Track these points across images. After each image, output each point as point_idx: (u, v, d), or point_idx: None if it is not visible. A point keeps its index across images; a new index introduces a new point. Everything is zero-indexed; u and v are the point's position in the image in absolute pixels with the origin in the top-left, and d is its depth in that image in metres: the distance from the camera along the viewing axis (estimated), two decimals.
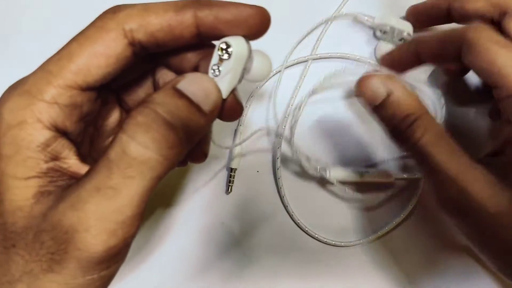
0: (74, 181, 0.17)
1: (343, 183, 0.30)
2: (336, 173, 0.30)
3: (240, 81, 0.20)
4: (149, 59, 0.20)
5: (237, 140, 0.32)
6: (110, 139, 0.22)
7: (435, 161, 0.22)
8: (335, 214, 0.32)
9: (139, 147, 0.15)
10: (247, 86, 0.32)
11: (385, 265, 0.31)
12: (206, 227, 0.31)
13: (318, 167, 0.30)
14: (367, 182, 0.31)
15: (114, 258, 0.16)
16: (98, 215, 0.15)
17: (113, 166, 0.15)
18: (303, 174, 0.31)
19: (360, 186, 0.31)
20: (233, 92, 0.20)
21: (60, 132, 0.17)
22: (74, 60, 0.17)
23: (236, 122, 0.32)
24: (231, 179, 0.31)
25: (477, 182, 0.21)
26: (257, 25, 0.18)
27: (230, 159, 0.31)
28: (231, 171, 0.31)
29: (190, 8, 0.17)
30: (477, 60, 0.23)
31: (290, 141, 0.30)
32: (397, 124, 0.23)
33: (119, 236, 0.16)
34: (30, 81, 0.17)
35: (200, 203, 0.31)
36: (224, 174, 0.32)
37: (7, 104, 0.17)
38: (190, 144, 0.17)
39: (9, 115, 0.16)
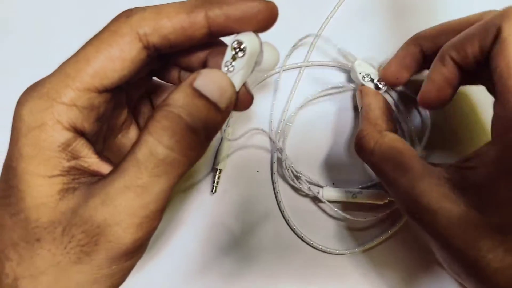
0: (97, 178, 0.18)
1: (335, 202, 0.30)
2: (328, 193, 0.31)
3: (251, 73, 0.20)
4: (158, 58, 0.21)
5: (225, 141, 0.32)
6: (121, 136, 0.24)
7: (386, 176, 0.23)
8: (328, 223, 0.32)
9: (165, 150, 0.16)
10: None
11: (379, 274, 0.32)
12: (206, 227, 0.32)
13: (310, 186, 0.30)
14: (359, 203, 0.31)
15: (137, 249, 0.18)
16: (128, 211, 0.16)
17: (141, 166, 0.16)
18: (297, 189, 0.32)
19: (352, 205, 0.31)
20: (244, 84, 0.20)
21: (79, 132, 0.18)
22: (91, 63, 0.17)
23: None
24: (216, 179, 0.32)
25: (427, 194, 0.21)
26: (266, 19, 0.18)
27: (217, 159, 0.32)
28: (216, 171, 0.32)
29: (201, 9, 0.18)
30: (497, 59, 0.21)
31: (282, 154, 0.31)
32: (357, 135, 0.25)
33: (144, 229, 0.17)
34: (49, 83, 0.17)
35: (201, 203, 0.32)
36: (225, 175, 0.32)
37: (27, 106, 0.17)
38: (209, 141, 0.18)
39: (29, 117, 0.17)
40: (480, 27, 0.22)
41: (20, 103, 0.17)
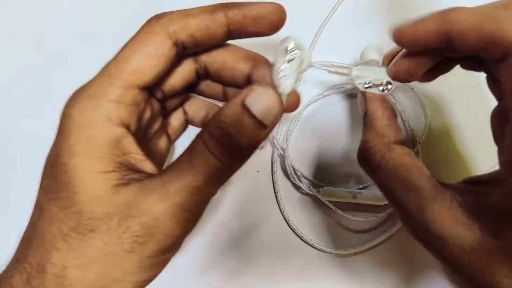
0: (144, 175, 0.19)
1: (335, 202, 0.30)
2: (328, 193, 0.30)
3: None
4: (197, 75, 0.23)
5: None
6: (152, 143, 0.25)
7: (392, 195, 0.21)
8: (328, 223, 0.32)
9: (217, 162, 0.19)
10: None
11: (379, 274, 0.32)
12: (206, 227, 0.32)
13: (310, 186, 0.30)
14: (360, 204, 0.31)
15: (179, 243, 0.20)
16: (184, 207, 0.18)
17: (197, 171, 0.18)
18: (297, 188, 0.32)
19: (352, 205, 0.31)
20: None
21: (126, 128, 0.20)
22: (131, 62, 0.19)
23: None
24: None
25: (438, 219, 0.20)
26: (277, 20, 0.21)
27: None
28: None
29: (221, 10, 0.20)
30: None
31: (284, 152, 0.31)
32: (361, 146, 0.24)
33: (192, 223, 0.19)
34: (94, 85, 0.19)
35: None
36: None
37: (76, 107, 0.19)
38: (251, 154, 0.20)
39: (79, 116, 0.18)
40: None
41: (69, 104, 0.19)
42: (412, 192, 0.20)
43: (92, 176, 0.18)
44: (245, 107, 0.18)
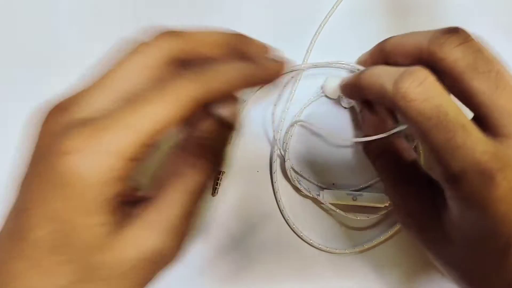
0: (134, 203, 0.19)
1: (336, 205, 0.30)
2: (329, 196, 0.30)
3: None
4: None
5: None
6: None
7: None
8: (328, 222, 0.32)
9: (202, 173, 0.20)
10: None
11: (379, 274, 0.32)
12: (205, 227, 0.32)
13: (310, 189, 0.30)
14: (360, 205, 0.31)
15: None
16: (184, 230, 0.20)
17: (187, 189, 0.20)
18: (297, 190, 0.32)
19: (352, 207, 0.31)
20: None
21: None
22: (154, 123, 0.18)
23: None
24: (219, 181, 0.31)
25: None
26: None
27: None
28: (220, 173, 0.31)
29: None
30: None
31: (285, 155, 0.31)
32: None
33: (187, 238, 0.21)
34: (113, 139, 0.17)
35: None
36: (225, 175, 0.32)
37: (87, 163, 0.17)
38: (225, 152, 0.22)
39: (91, 176, 0.17)
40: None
41: (77, 155, 0.17)
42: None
43: (100, 229, 0.18)
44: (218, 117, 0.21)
